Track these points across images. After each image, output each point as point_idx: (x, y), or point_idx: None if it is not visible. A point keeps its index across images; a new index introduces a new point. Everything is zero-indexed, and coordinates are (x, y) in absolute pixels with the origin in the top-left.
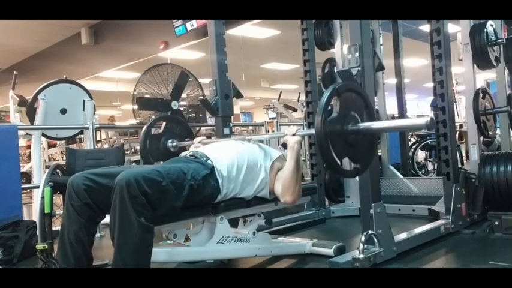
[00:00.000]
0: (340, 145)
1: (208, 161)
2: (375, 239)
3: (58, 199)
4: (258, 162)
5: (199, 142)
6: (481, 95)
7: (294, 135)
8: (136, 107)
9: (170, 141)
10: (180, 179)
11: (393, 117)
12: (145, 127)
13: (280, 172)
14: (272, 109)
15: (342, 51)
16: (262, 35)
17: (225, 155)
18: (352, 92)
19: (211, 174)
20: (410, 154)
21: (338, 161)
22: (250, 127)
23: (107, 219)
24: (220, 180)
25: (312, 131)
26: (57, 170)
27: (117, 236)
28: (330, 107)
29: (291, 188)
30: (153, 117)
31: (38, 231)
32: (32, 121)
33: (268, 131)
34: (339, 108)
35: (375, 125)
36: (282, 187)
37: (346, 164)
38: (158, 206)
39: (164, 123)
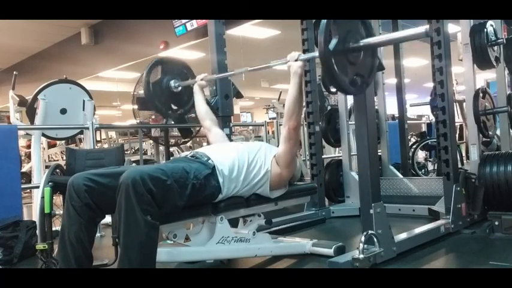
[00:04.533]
0: (343, 61)
1: (209, 161)
2: (375, 239)
3: (58, 199)
4: (259, 160)
5: (201, 80)
6: (481, 95)
7: (296, 60)
8: (136, 107)
9: (173, 81)
10: (183, 178)
11: (393, 117)
12: (144, 75)
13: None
14: (272, 109)
15: None
16: (262, 35)
17: (226, 155)
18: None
19: (213, 174)
20: (410, 154)
21: (343, 78)
22: (250, 127)
23: (107, 219)
24: (221, 180)
25: (315, 54)
26: (57, 170)
27: (123, 234)
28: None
29: (295, 112)
30: (153, 117)
31: (38, 231)
32: (32, 121)
33: (268, 132)
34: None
35: (373, 40)
36: (286, 112)
37: None
38: (162, 204)
39: (160, 67)
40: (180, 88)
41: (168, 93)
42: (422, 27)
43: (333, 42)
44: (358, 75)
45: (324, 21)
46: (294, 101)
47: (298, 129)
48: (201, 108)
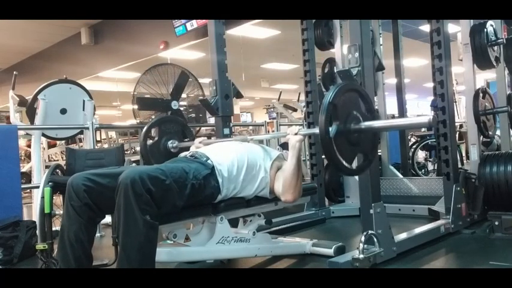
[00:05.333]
0: (344, 144)
1: (209, 161)
2: (375, 239)
3: (58, 199)
4: (258, 162)
5: (200, 142)
6: (481, 95)
7: (296, 134)
8: (136, 107)
9: (170, 141)
10: (182, 178)
11: (393, 117)
12: (143, 132)
13: (280, 171)
14: (272, 109)
15: (342, 51)
16: (262, 35)
17: (225, 155)
18: (353, 92)
19: (212, 174)
20: (410, 154)
21: (341, 160)
22: (250, 127)
23: (107, 219)
24: (220, 180)
25: (314, 130)
26: (57, 170)
27: (122, 234)
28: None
29: (292, 187)
30: (153, 117)
31: (38, 231)
32: (32, 121)
33: (268, 132)
34: (340, 109)
35: (377, 124)
36: (283, 185)
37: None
38: (161, 204)
39: (157, 129)
40: (178, 149)
41: (164, 151)
42: (425, 117)
43: (333, 128)
44: (360, 154)
45: (326, 100)
46: (292, 174)
47: (296, 200)
48: None
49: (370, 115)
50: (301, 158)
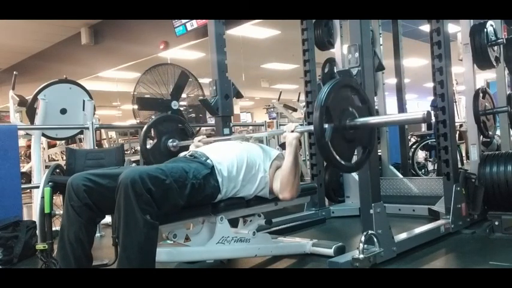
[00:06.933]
0: (340, 143)
1: (208, 161)
2: (375, 239)
3: (58, 199)
4: (257, 161)
5: (199, 141)
6: (481, 95)
7: (292, 131)
8: (136, 107)
9: (170, 140)
10: (182, 178)
11: None
12: (142, 134)
13: (279, 170)
14: (272, 109)
15: (342, 51)
16: (262, 35)
17: (224, 155)
18: (345, 88)
19: (212, 174)
20: (410, 154)
21: (337, 157)
22: (250, 127)
23: (107, 219)
24: (220, 180)
25: (310, 127)
26: (57, 170)
27: (122, 234)
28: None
29: (290, 184)
30: (153, 117)
31: (38, 231)
32: (32, 121)
33: None
34: (333, 109)
35: (372, 120)
36: (281, 183)
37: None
38: (162, 204)
39: (156, 129)
40: (177, 148)
41: (166, 153)
42: (420, 112)
43: (328, 130)
44: (359, 147)
45: (318, 100)
46: (290, 171)
47: (294, 198)
48: None
49: (364, 106)
50: (300, 156)
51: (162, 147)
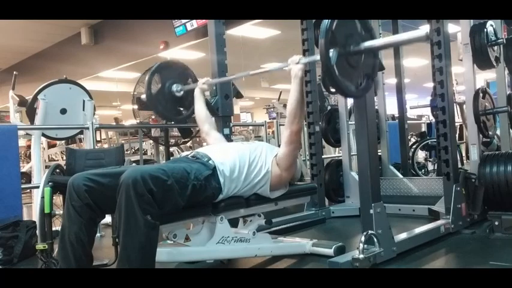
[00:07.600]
0: (344, 65)
1: (210, 161)
2: (375, 239)
3: (58, 199)
4: (260, 160)
5: (203, 83)
6: (481, 95)
7: (297, 63)
8: (136, 107)
9: (175, 86)
10: (183, 179)
11: (393, 118)
12: (146, 82)
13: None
14: (272, 109)
15: None
16: (262, 35)
17: (226, 155)
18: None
19: (213, 175)
20: (410, 154)
21: (342, 80)
22: (250, 127)
23: (107, 219)
24: (222, 180)
25: (316, 57)
26: (57, 170)
27: (122, 233)
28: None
29: (297, 116)
30: (153, 117)
31: (38, 231)
32: (32, 121)
33: (269, 133)
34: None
35: (376, 42)
36: (289, 115)
37: None
38: (163, 204)
39: (160, 73)
40: (182, 92)
41: (171, 99)
42: (422, 30)
43: (334, 54)
44: (361, 76)
45: (323, 26)
46: (296, 104)
47: (300, 132)
48: (201, 112)
49: (367, 34)
50: (300, 156)
51: (167, 92)
